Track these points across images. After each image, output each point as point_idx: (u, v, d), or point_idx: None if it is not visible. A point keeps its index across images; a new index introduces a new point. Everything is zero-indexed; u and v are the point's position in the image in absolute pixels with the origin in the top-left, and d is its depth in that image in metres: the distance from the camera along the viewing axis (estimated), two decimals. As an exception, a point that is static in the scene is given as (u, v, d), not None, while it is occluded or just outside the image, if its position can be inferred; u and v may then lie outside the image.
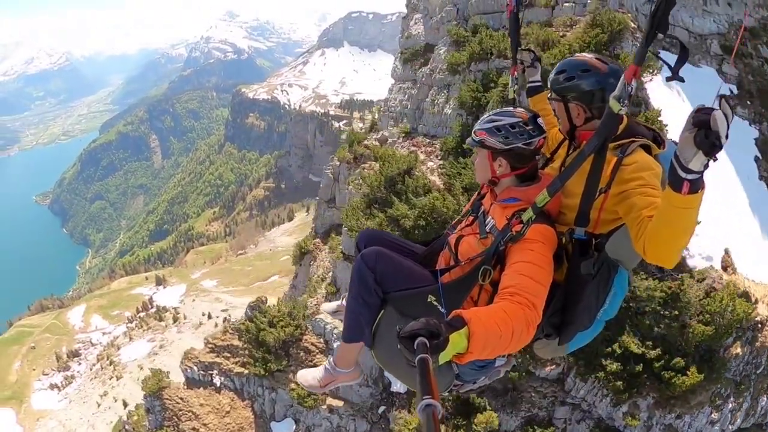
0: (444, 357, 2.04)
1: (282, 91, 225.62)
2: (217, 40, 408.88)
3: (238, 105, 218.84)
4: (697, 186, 2.09)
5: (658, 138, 3.07)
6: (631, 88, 2.50)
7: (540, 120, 3.20)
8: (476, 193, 3.75)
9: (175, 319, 73.15)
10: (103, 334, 77.43)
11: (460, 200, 19.66)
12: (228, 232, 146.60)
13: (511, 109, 3.29)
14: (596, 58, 3.09)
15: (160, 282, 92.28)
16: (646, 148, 2.96)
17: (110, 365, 63.95)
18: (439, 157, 23.71)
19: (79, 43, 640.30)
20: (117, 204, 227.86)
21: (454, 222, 3.85)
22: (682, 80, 2.43)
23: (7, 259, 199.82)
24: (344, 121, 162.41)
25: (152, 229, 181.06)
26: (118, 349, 68.73)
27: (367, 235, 3.82)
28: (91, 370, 66.20)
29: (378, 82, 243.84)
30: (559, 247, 3.04)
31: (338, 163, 29.10)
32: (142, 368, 57.48)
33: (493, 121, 3.18)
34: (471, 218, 3.52)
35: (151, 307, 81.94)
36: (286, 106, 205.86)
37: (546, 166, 3.56)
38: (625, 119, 3.01)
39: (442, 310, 3.08)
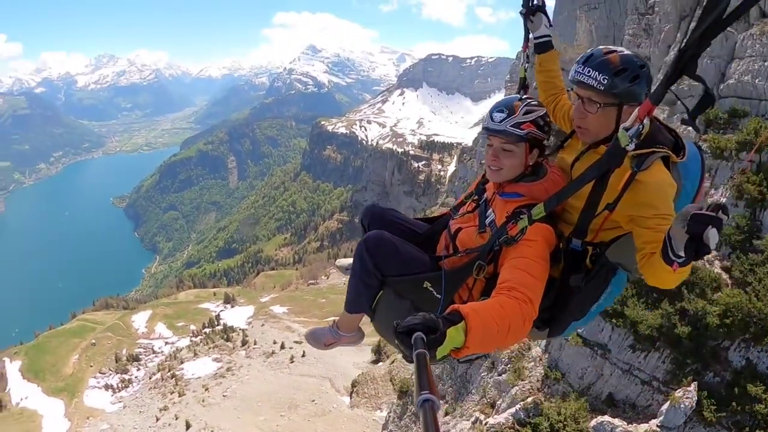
0: (441, 352, 2.04)
1: (360, 126, 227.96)
2: (299, 73, 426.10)
3: (316, 136, 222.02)
4: (686, 263, 2.29)
5: (678, 143, 2.96)
6: (642, 126, 2.50)
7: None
8: (480, 175, 3.71)
9: (244, 342, 70.97)
10: (166, 343, 75.71)
11: None
12: (297, 260, 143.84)
13: (529, 97, 3.24)
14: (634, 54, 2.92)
15: (228, 300, 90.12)
16: (665, 158, 2.87)
17: (172, 378, 60.81)
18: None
19: (169, 63, 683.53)
20: (189, 217, 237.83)
21: (457, 202, 3.79)
22: (697, 130, 2.35)
23: (79, 253, 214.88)
24: (423, 162, 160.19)
25: (221, 246, 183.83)
26: (182, 362, 65.78)
27: (371, 213, 3.85)
28: (150, 378, 63.24)
29: (455, 124, 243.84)
30: (557, 246, 3.04)
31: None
32: (207, 389, 54.55)
33: (533, 112, 3.11)
34: (473, 204, 3.50)
35: (217, 325, 79.82)
36: (364, 141, 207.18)
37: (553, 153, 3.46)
38: (650, 123, 2.74)
39: (438, 296, 3.17)
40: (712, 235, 2.01)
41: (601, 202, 2.86)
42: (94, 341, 73.97)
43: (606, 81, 2.75)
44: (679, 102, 2.34)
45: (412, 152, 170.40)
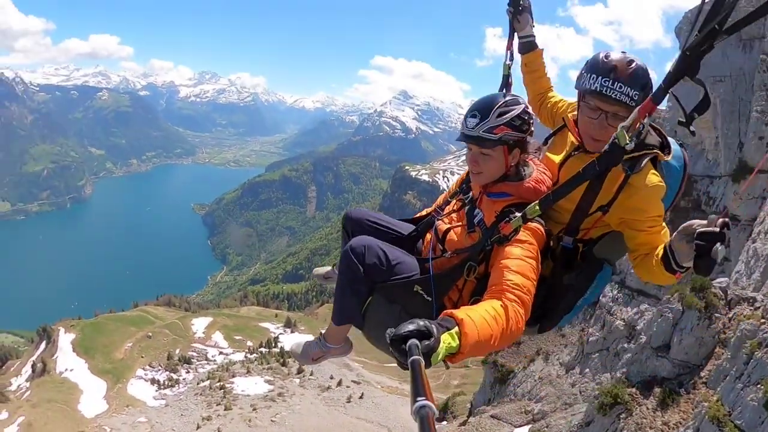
0: (436, 358, 2.03)
1: (444, 176, 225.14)
2: (388, 116, 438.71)
3: (399, 180, 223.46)
4: (687, 271, 2.56)
5: (664, 143, 3.07)
6: (643, 126, 2.59)
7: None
8: (464, 173, 3.74)
9: (300, 371, 67.85)
10: (220, 353, 73.75)
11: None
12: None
13: (504, 96, 3.21)
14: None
15: (289, 324, 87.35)
16: (654, 159, 3.00)
17: (221, 389, 58.00)
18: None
19: (267, 89, 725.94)
20: (263, 236, 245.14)
21: (441, 200, 3.92)
22: (693, 133, 2.58)
23: (151, 247, 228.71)
24: None
25: (288, 270, 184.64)
26: (233, 376, 62.89)
27: (354, 217, 3.84)
28: (198, 384, 60.87)
29: None
30: (547, 244, 3.10)
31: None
32: (255, 410, 51.38)
33: (505, 113, 3.09)
34: (458, 204, 3.54)
35: (274, 346, 77.26)
36: (444, 191, 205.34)
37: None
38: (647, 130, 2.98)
39: (428, 299, 3.17)
40: (720, 252, 2.18)
41: (594, 202, 2.96)
42: (150, 334, 73.61)
43: (637, 96, 2.74)
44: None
45: None
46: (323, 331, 3.91)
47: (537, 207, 2.87)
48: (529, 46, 3.92)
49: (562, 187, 2.89)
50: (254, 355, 73.05)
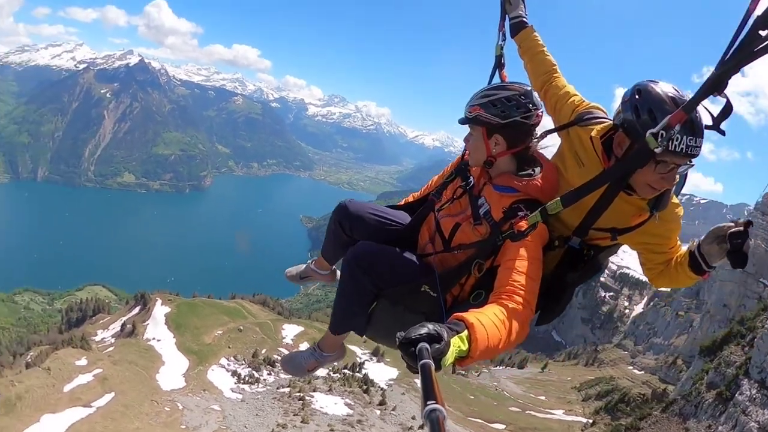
0: (446, 362, 2.06)
1: None
2: None
3: None
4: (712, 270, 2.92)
5: None
6: (674, 132, 2.61)
7: (536, 94, 3.23)
8: (459, 157, 3.77)
9: (382, 403, 64.33)
10: None
11: None
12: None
13: (503, 83, 3.41)
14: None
15: (376, 353, 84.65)
16: None
17: (300, 400, 56.78)
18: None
19: (390, 121, 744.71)
20: None
21: (434, 184, 3.99)
22: (723, 133, 2.61)
23: (255, 246, 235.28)
24: (611, 293, 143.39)
25: None
26: (314, 390, 61.38)
27: (349, 214, 3.79)
28: (277, 389, 59.99)
29: None
30: (549, 243, 3.18)
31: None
32: (333, 430, 50.58)
33: (488, 96, 3.15)
34: (459, 191, 3.50)
35: (358, 372, 74.03)
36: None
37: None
38: None
39: (434, 295, 3.21)
40: (747, 248, 2.62)
41: (606, 217, 3.09)
42: (241, 328, 73.59)
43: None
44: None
45: (602, 279, 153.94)
46: (318, 341, 4.04)
47: (560, 204, 2.89)
48: (518, 27, 3.87)
49: (586, 186, 2.92)
50: (337, 375, 71.58)
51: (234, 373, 61.40)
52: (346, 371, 73.09)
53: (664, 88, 2.80)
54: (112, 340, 63.19)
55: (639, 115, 2.82)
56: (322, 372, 69.98)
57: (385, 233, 3.69)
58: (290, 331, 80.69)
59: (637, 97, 2.85)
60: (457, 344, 2.14)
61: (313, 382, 64.11)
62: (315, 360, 4.01)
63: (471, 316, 2.34)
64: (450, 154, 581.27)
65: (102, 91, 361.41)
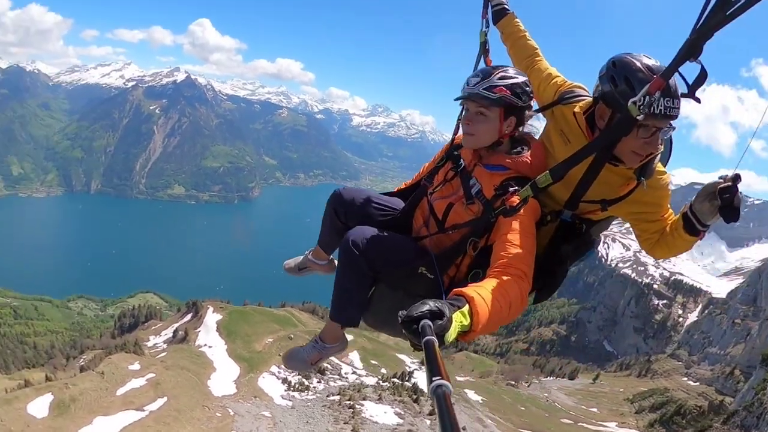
0: (449, 337, 2.08)
1: (604, 242, 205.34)
2: None
3: None
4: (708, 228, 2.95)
5: None
6: (654, 99, 2.69)
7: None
8: (449, 143, 3.81)
9: (432, 413, 63.01)
10: (354, 372, 71.81)
11: None
12: (499, 353, 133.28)
13: (506, 66, 3.35)
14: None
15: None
16: None
17: (350, 408, 55.56)
18: None
19: (435, 129, 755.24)
20: None
21: (425, 170, 4.02)
22: (698, 100, 2.72)
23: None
24: (664, 301, 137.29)
25: None
26: (364, 399, 60.41)
27: (344, 201, 3.90)
28: (327, 397, 59.62)
29: (702, 268, 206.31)
30: (540, 219, 3.27)
31: None
32: None
33: (508, 78, 3.20)
34: (450, 173, 3.57)
35: (407, 380, 73.01)
36: (603, 258, 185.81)
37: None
38: None
39: (431, 277, 3.28)
40: (737, 201, 2.64)
41: (595, 189, 3.19)
42: (292, 336, 73.32)
43: None
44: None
45: (655, 287, 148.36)
46: (319, 332, 3.98)
47: (549, 177, 2.95)
48: (500, 14, 4.00)
49: (573, 157, 2.98)
50: (387, 383, 69.97)
51: (284, 381, 61.20)
52: (395, 380, 71.40)
53: (638, 57, 2.89)
54: (164, 346, 63.82)
55: (616, 84, 2.91)
56: (371, 381, 69.61)
57: (381, 219, 3.73)
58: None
59: (613, 67, 2.94)
60: (459, 319, 2.17)
61: (363, 390, 63.36)
62: (318, 352, 3.95)
63: (470, 290, 2.38)
64: None
65: (151, 107, 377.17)
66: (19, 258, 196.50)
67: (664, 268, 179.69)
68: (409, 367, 79.23)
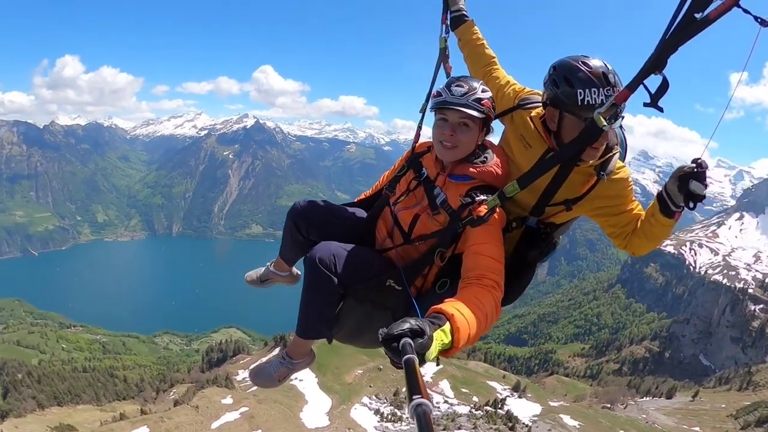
0: (429, 355, 2.07)
1: (690, 249, 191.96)
2: None
3: None
4: (681, 210, 2.89)
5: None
6: (621, 110, 2.78)
7: None
8: (410, 150, 3.80)
9: None
10: (445, 401, 69.87)
11: None
12: (590, 375, 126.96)
13: (471, 77, 3.35)
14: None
15: (517, 389, 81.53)
16: None
17: None
18: None
19: None
20: None
21: (388, 178, 3.92)
22: (660, 110, 2.69)
23: None
24: (761, 306, 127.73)
25: (512, 331, 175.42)
26: (459, 428, 59.39)
27: (306, 214, 3.78)
28: None
29: None
30: (506, 226, 3.28)
31: None
32: None
33: (487, 90, 3.22)
34: (413, 183, 3.50)
35: (500, 409, 70.27)
36: (691, 267, 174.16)
37: None
38: None
39: (399, 288, 3.23)
40: (694, 186, 2.66)
41: (560, 190, 3.20)
42: (381, 367, 73.07)
43: None
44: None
45: (750, 291, 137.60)
46: (286, 350, 3.88)
47: (516, 186, 3.00)
48: (459, 20, 3.98)
49: (538, 166, 3.05)
50: (480, 412, 68.72)
51: (377, 412, 60.56)
52: (488, 408, 69.92)
53: (576, 57, 2.95)
54: None
55: (558, 86, 2.97)
56: (464, 409, 67.99)
57: (342, 231, 3.64)
58: (428, 368, 76.89)
59: (554, 71, 3.02)
60: (440, 338, 2.16)
61: (457, 419, 62.60)
62: (285, 368, 3.84)
63: (449, 307, 2.37)
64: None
65: (224, 153, 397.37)
66: (107, 297, 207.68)
67: (757, 270, 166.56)
68: (501, 394, 77.57)
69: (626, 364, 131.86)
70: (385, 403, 63.10)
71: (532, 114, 3.33)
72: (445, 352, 2.25)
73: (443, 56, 3.94)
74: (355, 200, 4.19)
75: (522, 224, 3.37)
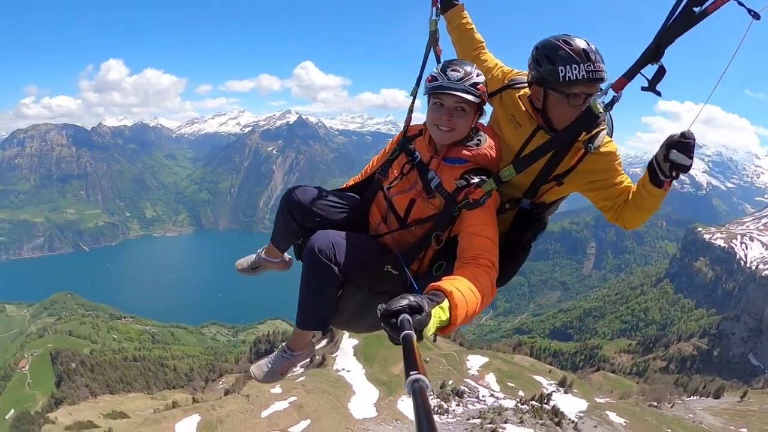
0: (428, 332, 2.11)
1: (742, 243, 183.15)
2: None
3: (690, 244, 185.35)
4: (671, 180, 2.89)
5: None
6: (618, 98, 2.84)
7: None
8: (401, 133, 3.77)
9: None
10: (491, 395, 69.47)
11: None
12: (636, 372, 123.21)
13: (463, 60, 3.36)
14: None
15: (563, 384, 79.64)
16: None
17: None
18: None
19: None
20: (534, 287, 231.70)
21: (380, 162, 3.94)
22: (659, 94, 2.76)
23: None
24: None
25: (558, 326, 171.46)
26: (506, 422, 58.42)
27: (301, 205, 3.69)
28: (467, 420, 57.93)
29: None
30: (499, 207, 3.34)
31: None
32: None
33: (480, 74, 3.25)
34: (407, 167, 3.51)
35: (546, 404, 69.47)
36: (741, 261, 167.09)
37: None
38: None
39: (395, 273, 3.28)
40: (674, 156, 2.68)
41: (554, 171, 3.27)
42: (428, 359, 72.77)
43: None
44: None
45: None
46: (287, 343, 3.86)
47: (513, 170, 3.10)
48: (449, 4, 3.96)
49: (535, 151, 3.12)
50: (525, 406, 67.38)
51: None
52: (534, 402, 68.45)
53: (558, 36, 3.02)
54: (302, 371, 65.28)
55: (540, 64, 3.05)
56: (509, 403, 67.40)
57: (337, 218, 3.67)
58: (475, 361, 79.14)
59: (536, 51, 3.10)
60: (438, 315, 2.19)
61: (504, 413, 61.32)
62: (287, 361, 3.84)
63: (448, 284, 2.41)
64: (644, 161, 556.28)
65: (268, 149, 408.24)
66: (156, 290, 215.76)
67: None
68: (547, 389, 76.12)
69: (674, 361, 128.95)
70: (431, 395, 61.47)
71: (521, 93, 3.41)
72: (443, 329, 2.29)
73: (433, 39, 3.91)
74: (344, 186, 4.16)
75: (515, 206, 3.44)
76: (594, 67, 2.89)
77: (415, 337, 1.82)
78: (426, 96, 3.25)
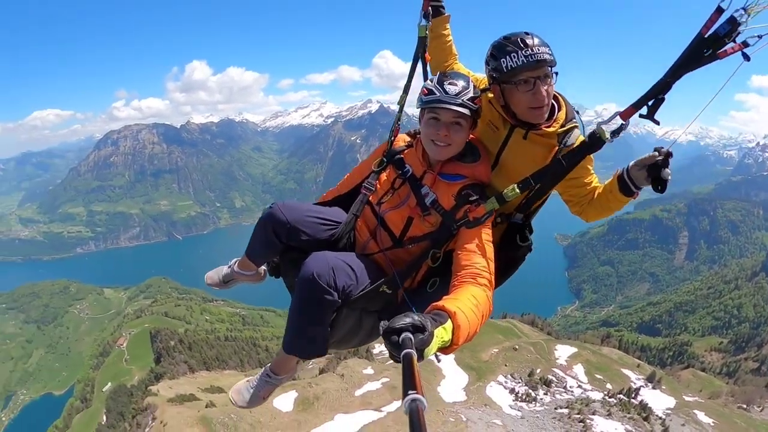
0: (429, 351, 2.09)
1: None
2: None
3: None
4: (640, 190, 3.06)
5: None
6: (625, 126, 2.97)
7: None
8: (385, 143, 3.73)
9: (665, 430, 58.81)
10: (579, 386, 68.39)
11: None
12: (726, 372, 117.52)
13: (460, 74, 3.30)
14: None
15: (652, 379, 77.62)
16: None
17: (580, 422, 52.86)
18: None
19: (637, 121, 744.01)
20: (623, 278, 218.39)
21: (362, 173, 3.82)
22: (657, 123, 2.93)
23: (517, 272, 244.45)
24: None
25: (646, 320, 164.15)
26: (593, 413, 57.76)
27: (285, 224, 3.52)
28: (555, 409, 57.32)
29: None
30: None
31: None
32: None
33: (475, 88, 3.20)
34: (398, 181, 3.43)
35: (634, 399, 68.11)
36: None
37: None
38: (561, 99, 3.37)
39: (389, 292, 3.23)
40: (664, 174, 2.85)
41: (525, 169, 3.25)
42: (516, 347, 73.55)
43: (550, 50, 3.08)
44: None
45: None
46: (268, 366, 3.78)
47: (517, 190, 3.09)
48: (436, 12, 3.94)
49: (543, 171, 3.16)
50: (613, 399, 65.69)
51: (512, 391, 60.88)
52: (621, 396, 66.81)
53: (507, 35, 3.09)
54: None
55: (489, 64, 3.17)
56: (597, 395, 66.30)
57: (325, 236, 3.54)
58: (563, 351, 77.98)
59: (488, 53, 3.18)
60: (441, 335, 2.17)
61: (591, 405, 60.90)
62: (270, 386, 3.76)
63: (451, 305, 2.39)
64: (707, 148, 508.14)
65: (352, 138, 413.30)
66: None
67: None
68: (635, 383, 73.68)
69: (766, 363, 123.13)
70: (520, 382, 63.25)
71: (490, 98, 3.39)
72: (444, 349, 2.29)
73: (422, 45, 3.91)
74: (321, 198, 4.09)
75: (506, 220, 3.52)
76: (532, 51, 2.96)
77: (415, 356, 1.81)
78: (419, 109, 3.25)
